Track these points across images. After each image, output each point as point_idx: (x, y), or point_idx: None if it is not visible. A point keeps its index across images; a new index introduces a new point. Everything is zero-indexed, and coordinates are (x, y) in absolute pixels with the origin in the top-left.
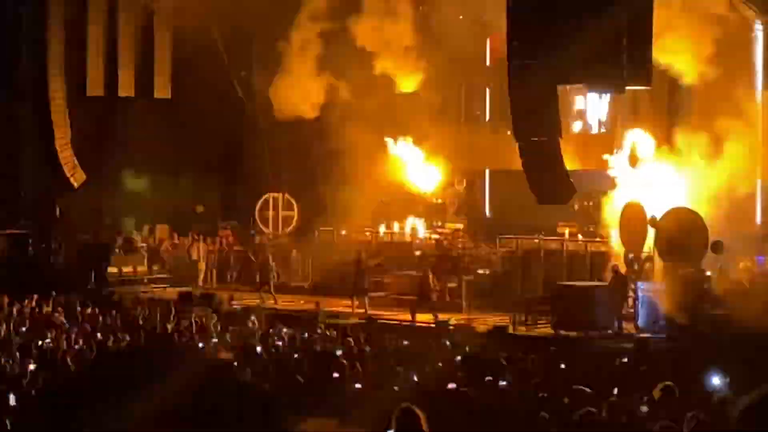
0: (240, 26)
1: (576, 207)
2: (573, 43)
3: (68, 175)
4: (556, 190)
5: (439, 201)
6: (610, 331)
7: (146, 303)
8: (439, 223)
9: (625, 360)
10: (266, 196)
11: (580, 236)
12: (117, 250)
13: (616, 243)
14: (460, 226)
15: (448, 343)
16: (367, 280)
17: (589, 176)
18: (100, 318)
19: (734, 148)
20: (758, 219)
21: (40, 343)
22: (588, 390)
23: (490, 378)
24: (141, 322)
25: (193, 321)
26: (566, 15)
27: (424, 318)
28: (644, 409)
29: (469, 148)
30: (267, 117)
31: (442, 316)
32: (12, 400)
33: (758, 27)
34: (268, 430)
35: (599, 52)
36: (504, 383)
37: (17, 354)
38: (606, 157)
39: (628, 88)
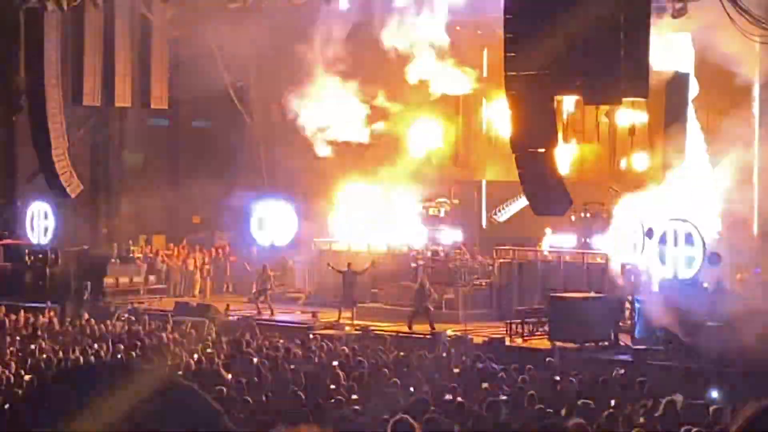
0: (237, 36)
1: (573, 218)
2: (570, 53)
3: (65, 184)
4: (553, 201)
5: (436, 211)
6: (606, 343)
7: (140, 314)
8: (436, 234)
9: (622, 372)
10: (263, 205)
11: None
12: (113, 261)
13: (613, 253)
14: (457, 236)
15: (444, 354)
16: (356, 290)
17: (586, 187)
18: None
19: (731, 159)
20: (755, 231)
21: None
22: (585, 402)
23: (486, 387)
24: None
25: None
26: (563, 26)
27: (420, 329)
28: (641, 420)
29: (465, 159)
30: (264, 127)
31: (438, 327)
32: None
33: (756, 41)
34: None
35: (596, 63)
36: (501, 396)
37: (12, 364)
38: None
39: (624, 99)
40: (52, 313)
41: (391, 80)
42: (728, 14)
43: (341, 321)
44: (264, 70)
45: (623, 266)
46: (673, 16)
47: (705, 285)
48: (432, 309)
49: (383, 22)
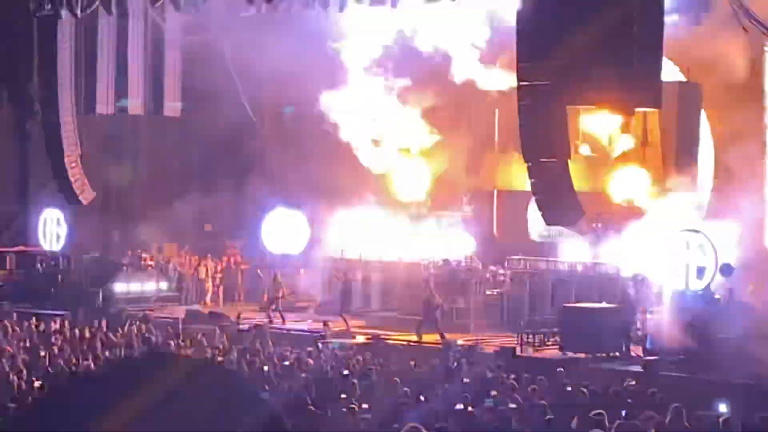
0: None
1: (584, 228)
2: (583, 64)
3: (77, 192)
4: (565, 211)
5: (447, 221)
6: (617, 354)
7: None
8: (447, 243)
9: (633, 383)
10: (272, 214)
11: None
12: (125, 268)
13: (625, 264)
14: (469, 246)
15: (455, 364)
16: (352, 298)
17: (598, 198)
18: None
19: (742, 170)
20: (767, 242)
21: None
22: (596, 412)
23: (496, 395)
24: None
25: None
26: (576, 36)
27: (430, 338)
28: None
29: (477, 169)
30: (275, 135)
31: (449, 337)
32: None
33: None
34: None
35: (609, 73)
36: (512, 405)
37: (24, 371)
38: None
39: (637, 110)
40: (64, 320)
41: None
42: (740, 23)
43: (351, 329)
44: (277, 78)
45: (635, 277)
46: (686, 26)
47: (717, 296)
48: (440, 318)
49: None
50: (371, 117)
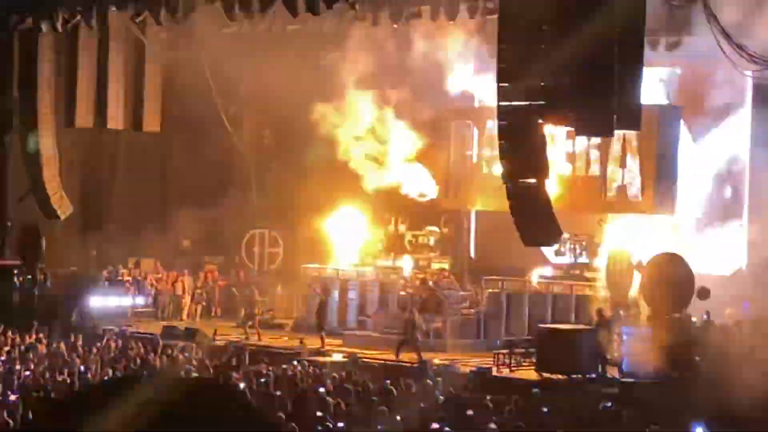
0: (230, 60)
1: (562, 250)
2: (562, 85)
3: (55, 206)
4: (543, 232)
5: (425, 240)
6: (593, 375)
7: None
8: (425, 262)
9: (609, 405)
10: (252, 232)
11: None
12: (102, 283)
13: (601, 286)
14: (446, 266)
15: (431, 383)
16: (328, 315)
17: (577, 218)
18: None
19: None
20: (744, 265)
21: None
22: None
23: (471, 413)
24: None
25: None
26: (556, 57)
27: (407, 357)
28: None
29: (455, 188)
30: (255, 153)
31: (425, 357)
32: None
33: (747, 75)
34: None
35: (588, 94)
36: (489, 425)
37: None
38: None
39: (617, 131)
40: (40, 335)
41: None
42: (722, 48)
43: (327, 347)
44: (257, 96)
45: (612, 298)
46: (667, 49)
47: (693, 319)
48: (420, 339)
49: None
50: (362, 130)
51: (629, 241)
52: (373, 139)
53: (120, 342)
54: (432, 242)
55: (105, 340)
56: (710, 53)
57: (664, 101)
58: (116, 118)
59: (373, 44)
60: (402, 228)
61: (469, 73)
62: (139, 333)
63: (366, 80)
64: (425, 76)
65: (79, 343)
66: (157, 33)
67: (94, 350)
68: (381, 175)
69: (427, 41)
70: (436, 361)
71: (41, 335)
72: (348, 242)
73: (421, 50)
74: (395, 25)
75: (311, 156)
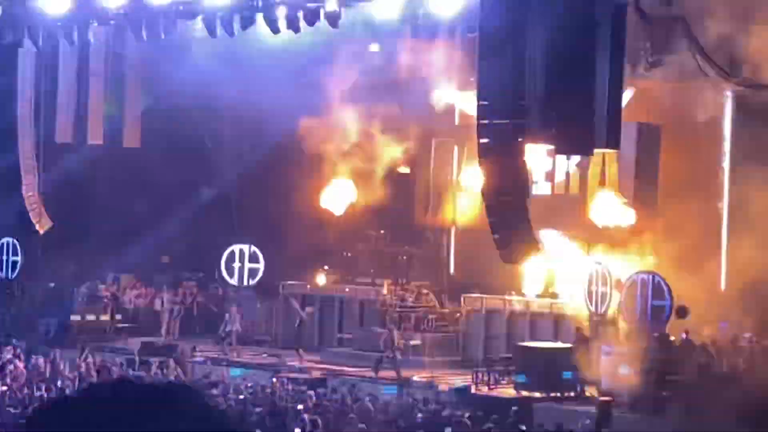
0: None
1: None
2: (542, 103)
3: (34, 220)
4: (522, 249)
5: (405, 257)
6: (572, 393)
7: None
8: (404, 280)
9: (588, 422)
10: (232, 247)
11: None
12: (81, 299)
13: (580, 304)
14: (426, 283)
15: (410, 400)
16: (307, 332)
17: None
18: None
19: (700, 213)
20: (723, 284)
21: None
22: None
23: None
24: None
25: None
26: (536, 75)
27: (386, 375)
28: None
29: (436, 206)
30: (235, 169)
31: (405, 374)
32: None
33: (727, 93)
34: None
35: (568, 113)
36: None
37: None
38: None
39: (596, 150)
40: (17, 350)
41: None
42: (701, 68)
43: (306, 365)
44: (238, 113)
45: (591, 316)
46: (646, 69)
47: (672, 338)
48: (399, 356)
49: None
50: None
51: (609, 259)
52: (362, 155)
53: (98, 358)
54: (412, 259)
55: (83, 356)
56: (690, 72)
57: (644, 119)
58: (96, 133)
59: (359, 59)
60: (382, 244)
61: (453, 88)
62: (118, 348)
63: (353, 95)
64: (411, 91)
65: (58, 359)
66: (138, 48)
67: (72, 366)
68: (364, 192)
69: (413, 55)
70: (415, 378)
71: (19, 351)
72: (331, 259)
73: (406, 65)
74: (377, 44)
75: (295, 171)
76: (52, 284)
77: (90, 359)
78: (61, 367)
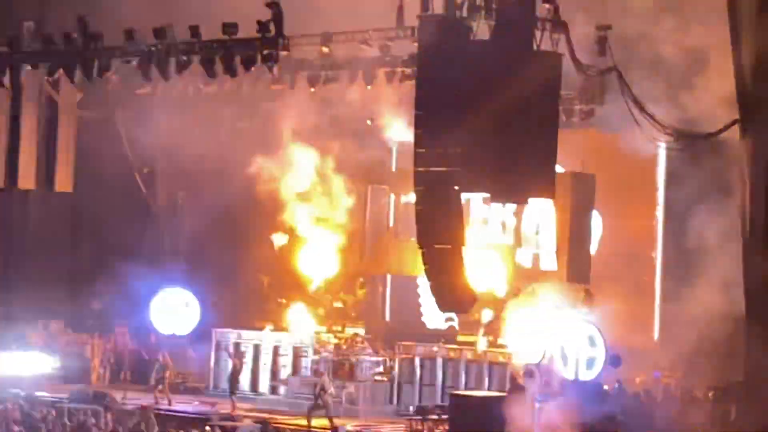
0: (145, 122)
1: (476, 316)
2: (478, 152)
3: None
4: (458, 298)
5: (339, 304)
6: None
7: None
8: (339, 327)
9: None
10: (165, 293)
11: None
12: (9, 346)
13: (515, 352)
14: (360, 330)
15: None
16: (238, 381)
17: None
18: None
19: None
20: (655, 334)
21: None
22: None
23: None
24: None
25: None
26: (473, 124)
27: (319, 423)
28: None
29: (371, 253)
30: (168, 213)
31: (337, 422)
32: None
33: (660, 145)
34: None
35: (503, 162)
36: None
37: None
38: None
39: (531, 199)
40: None
41: None
42: (635, 118)
43: (238, 412)
44: (172, 157)
45: (526, 366)
46: (581, 118)
47: (605, 387)
48: (331, 403)
49: None
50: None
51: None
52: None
53: (25, 406)
54: (347, 306)
55: (7, 405)
56: (623, 123)
57: (578, 169)
58: (28, 177)
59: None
60: (318, 292)
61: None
62: (47, 397)
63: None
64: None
65: None
66: (70, 92)
67: None
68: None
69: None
70: (348, 427)
71: None
72: (266, 305)
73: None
74: (313, 89)
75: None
76: None
77: (10, 406)
78: None
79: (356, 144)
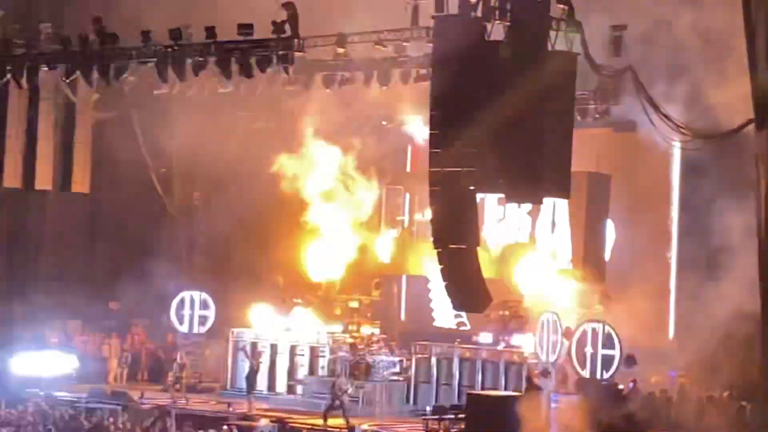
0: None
1: (491, 316)
2: (493, 152)
3: None
4: (473, 298)
5: (355, 304)
6: None
7: None
8: (355, 327)
9: None
10: (183, 294)
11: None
12: (28, 345)
13: (531, 352)
14: (375, 330)
15: None
16: (257, 379)
17: (506, 285)
18: None
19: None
20: (671, 334)
21: None
22: None
23: None
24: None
25: None
26: (488, 124)
27: (335, 423)
28: None
29: (386, 253)
30: (185, 214)
31: (354, 422)
32: None
33: (676, 144)
34: None
35: (518, 162)
36: None
37: None
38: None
39: (546, 199)
40: None
41: None
42: (649, 118)
43: (255, 412)
44: (189, 157)
45: (542, 366)
46: (596, 118)
47: (620, 387)
48: (348, 403)
49: None
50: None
51: (558, 308)
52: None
53: (44, 405)
54: (363, 306)
55: (27, 405)
56: (638, 122)
57: (593, 168)
58: (45, 178)
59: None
60: (333, 292)
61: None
62: (65, 396)
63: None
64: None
65: (2, 409)
66: (87, 93)
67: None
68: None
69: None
70: (365, 427)
71: None
72: (280, 306)
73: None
74: (328, 90)
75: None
76: None
77: (33, 408)
78: (4, 415)
79: (371, 144)
